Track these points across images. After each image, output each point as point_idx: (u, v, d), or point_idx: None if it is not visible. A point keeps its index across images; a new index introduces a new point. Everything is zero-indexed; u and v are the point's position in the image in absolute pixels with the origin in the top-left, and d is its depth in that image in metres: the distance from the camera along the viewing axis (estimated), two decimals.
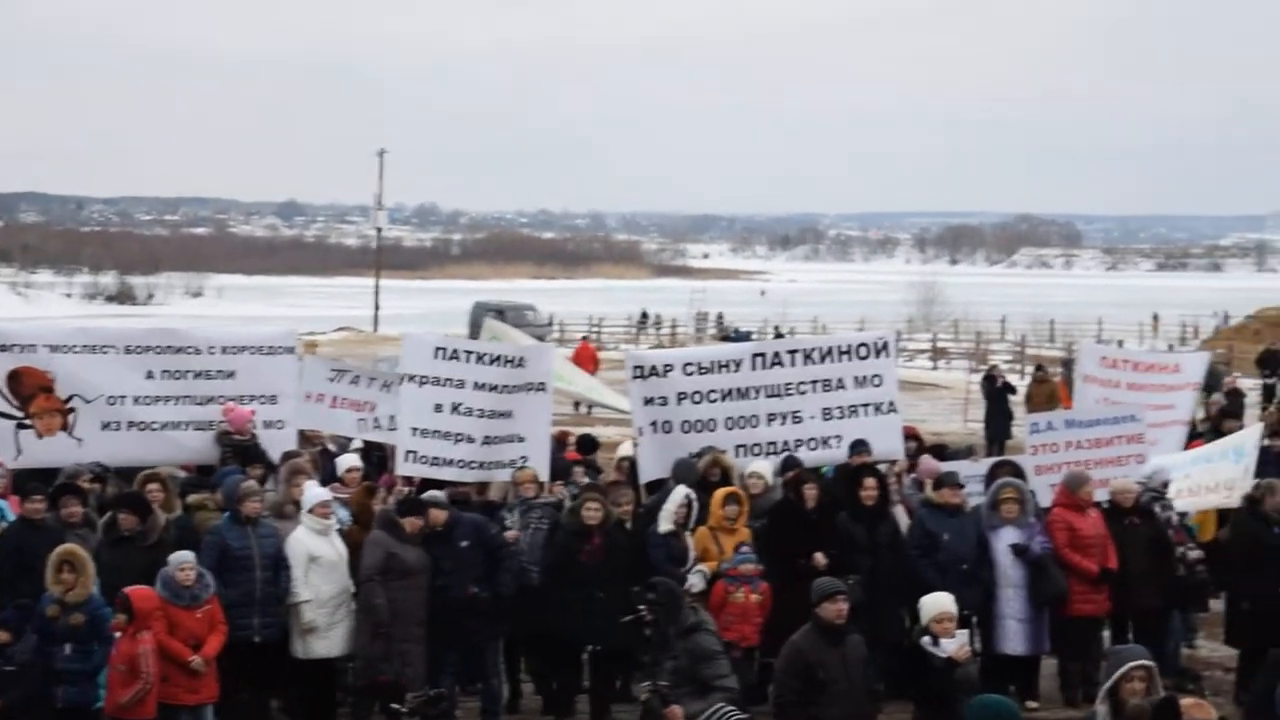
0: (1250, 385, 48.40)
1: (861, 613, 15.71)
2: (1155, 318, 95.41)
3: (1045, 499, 19.58)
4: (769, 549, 17.93)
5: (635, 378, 20.55)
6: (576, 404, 39.81)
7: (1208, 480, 21.19)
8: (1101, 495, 19.34)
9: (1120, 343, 73.13)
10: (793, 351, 21.00)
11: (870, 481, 18.54)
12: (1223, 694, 18.71)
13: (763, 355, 20.84)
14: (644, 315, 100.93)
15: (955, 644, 14.02)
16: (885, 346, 21.08)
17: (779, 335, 71.22)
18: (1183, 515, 20.44)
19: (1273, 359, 52.25)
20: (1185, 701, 11.18)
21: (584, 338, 67.88)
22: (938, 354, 79.01)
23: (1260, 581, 18.45)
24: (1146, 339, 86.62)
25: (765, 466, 19.62)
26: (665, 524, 17.97)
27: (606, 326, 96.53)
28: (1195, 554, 19.83)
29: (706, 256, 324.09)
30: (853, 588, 15.40)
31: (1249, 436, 22.31)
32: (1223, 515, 21.73)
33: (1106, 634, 19.34)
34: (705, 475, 19.19)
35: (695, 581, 17.56)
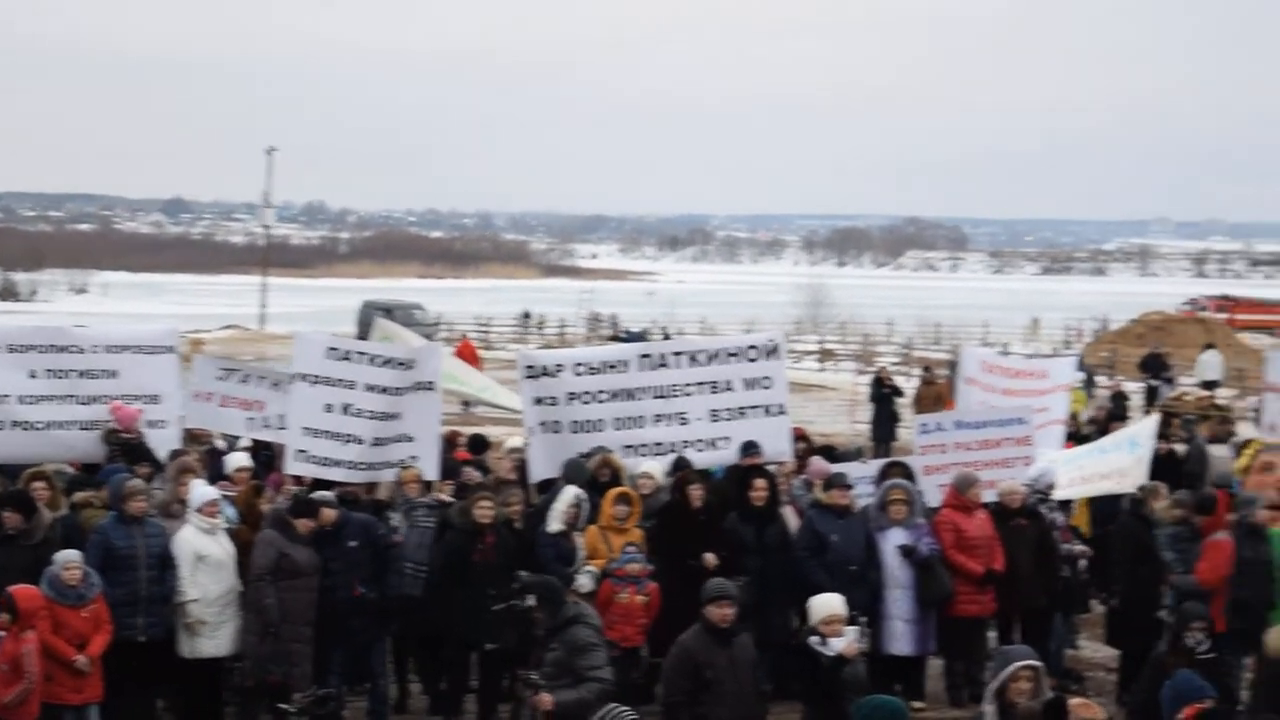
0: (1134, 389, 49.00)
1: (750, 613, 15.76)
2: (1035, 321, 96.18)
3: (934, 500, 19.70)
4: (658, 549, 17.97)
5: (527, 377, 20.53)
6: (466, 403, 39.64)
7: (1101, 468, 21.41)
8: (989, 496, 19.50)
9: (1005, 346, 73.72)
10: (679, 353, 20.99)
11: (760, 483, 18.60)
12: (1105, 694, 18.92)
13: (649, 356, 20.85)
14: (526, 315, 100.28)
15: (844, 642, 14.08)
16: (775, 349, 21.13)
17: (666, 336, 71.15)
18: (1066, 508, 20.66)
19: (1155, 363, 52.82)
20: (1073, 702, 11.35)
21: (464, 335, 67.52)
22: (825, 355, 79.18)
23: (1138, 584, 18.68)
24: (1031, 342, 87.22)
25: (656, 467, 19.64)
26: (555, 524, 17.96)
27: (494, 326, 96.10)
28: (1081, 549, 20.04)
29: (595, 257, 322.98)
30: (742, 589, 15.45)
31: (1145, 428, 22.60)
32: (1100, 515, 21.94)
33: (992, 634, 19.49)
34: (595, 475, 19.20)
35: (584, 581, 17.56)
